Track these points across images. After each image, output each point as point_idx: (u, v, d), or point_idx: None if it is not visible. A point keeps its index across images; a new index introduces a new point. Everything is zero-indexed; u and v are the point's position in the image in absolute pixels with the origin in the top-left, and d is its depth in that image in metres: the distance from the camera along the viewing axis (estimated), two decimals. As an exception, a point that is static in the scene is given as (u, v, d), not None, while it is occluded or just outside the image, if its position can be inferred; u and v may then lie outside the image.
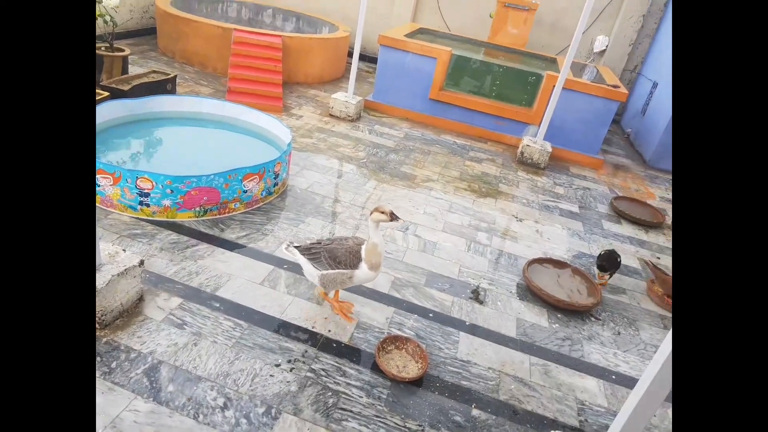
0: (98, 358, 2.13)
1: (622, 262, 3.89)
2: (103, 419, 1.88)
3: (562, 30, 8.01)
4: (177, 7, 6.94)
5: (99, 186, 3.10)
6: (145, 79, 4.77)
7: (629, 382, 2.65)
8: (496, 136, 6.34)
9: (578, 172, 5.90)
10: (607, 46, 7.88)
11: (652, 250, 4.33)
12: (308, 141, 5.03)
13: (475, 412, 2.26)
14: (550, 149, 5.67)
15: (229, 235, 3.20)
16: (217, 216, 3.36)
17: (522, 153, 5.73)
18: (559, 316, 3.10)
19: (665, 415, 2.50)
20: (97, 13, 4.61)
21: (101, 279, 2.22)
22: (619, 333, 3.07)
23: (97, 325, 2.26)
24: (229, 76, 5.66)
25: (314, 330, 2.54)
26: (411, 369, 2.40)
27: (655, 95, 6.93)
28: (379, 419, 2.12)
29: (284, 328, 2.51)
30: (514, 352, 2.70)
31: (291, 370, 2.27)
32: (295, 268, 3.00)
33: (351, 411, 2.13)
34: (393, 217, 2.28)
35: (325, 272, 2.47)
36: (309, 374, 2.27)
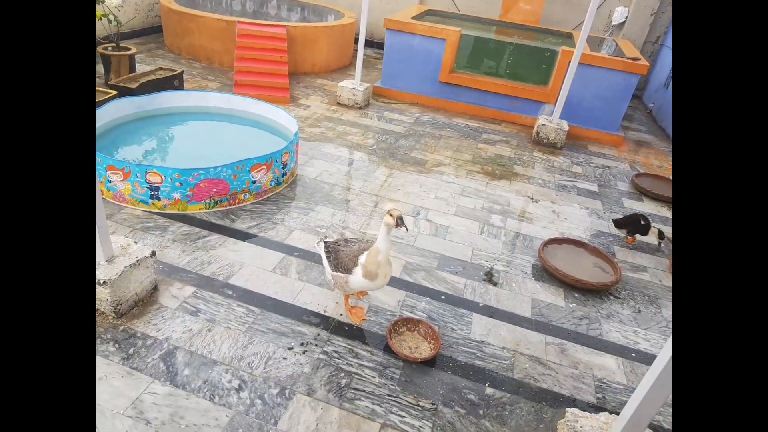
0: (116, 345, 2.18)
1: (644, 239, 3.76)
2: (124, 401, 1.93)
3: (577, 4, 7.74)
4: (181, 3, 6.99)
5: (110, 182, 3.16)
6: (152, 77, 4.83)
7: (650, 360, 2.58)
8: (510, 117, 6.21)
9: (597, 150, 5.73)
10: (626, 18, 7.58)
11: (674, 226, 4.18)
12: (316, 130, 5.01)
13: (489, 390, 2.23)
14: (566, 128, 5.51)
15: (240, 225, 3.23)
16: (228, 207, 3.39)
17: (537, 133, 5.59)
18: (576, 295, 3.03)
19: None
20: (101, 13, 4.67)
21: (114, 270, 2.27)
22: (639, 311, 2.98)
23: (113, 314, 2.31)
24: (235, 70, 5.69)
25: (326, 314, 2.55)
26: (423, 350, 2.38)
27: (677, 67, 6.66)
28: (391, 398, 2.11)
29: (296, 313, 2.53)
30: (529, 331, 2.65)
31: (304, 353, 2.28)
32: (306, 256, 3.00)
33: (364, 391, 2.13)
34: (399, 223, 2.11)
35: (332, 273, 2.42)
36: (321, 356, 2.28)
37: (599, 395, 2.31)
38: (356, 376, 2.20)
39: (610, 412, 2.07)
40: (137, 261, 2.36)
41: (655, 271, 3.44)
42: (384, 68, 6.35)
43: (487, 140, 5.49)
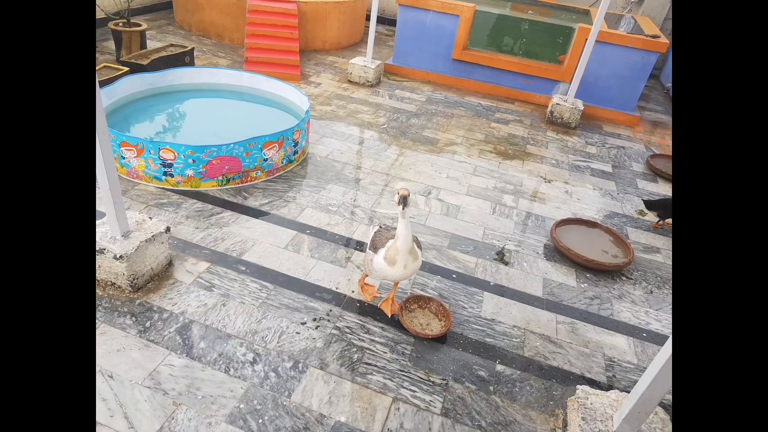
0: (133, 318, 2.23)
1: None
2: (142, 372, 1.98)
3: (594, -21, 7.47)
4: (192, -21, 6.87)
5: (124, 159, 3.18)
6: (163, 53, 4.79)
7: (661, 340, 2.57)
8: (524, 96, 6.08)
9: (612, 130, 5.62)
10: (645, -6, 7.31)
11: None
12: (327, 108, 4.97)
13: (499, 367, 2.25)
14: (581, 107, 5.40)
15: (252, 202, 3.24)
16: (240, 184, 3.40)
17: (551, 112, 5.48)
18: (588, 275, 3.01)
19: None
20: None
21: (130, 245, 2.30)
22: (651, 292, 2.96)
23: (129, 288, 2.36)
24: (245, 46, 5.62)
25: (338, 291, 2.57)
26: (434, 326, 2.40)
27: (697, 44, 6.44)
28: (403, 373, 2.14)
29: (309, 289, 2.55)
30: (540, 311, 2.65)
31: (316, 328, 2.32)
32: (318, 234, 3.02)
33: (375, 365, 2.16)
34: (401, 202, 2.05)
35: (367, 251, 2.37)
36: (334, 331, 2.31)
37: (609, 374, 2.32)
38: (368, 351, 2.23)
39: (621, 390, 2.09)
40: (152, 236, 2.39)
41: (668, 253, 3.41)
42: (396, 45, 6.23)
43: (500, 119, 5.41)
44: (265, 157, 3.42)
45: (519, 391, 2.15)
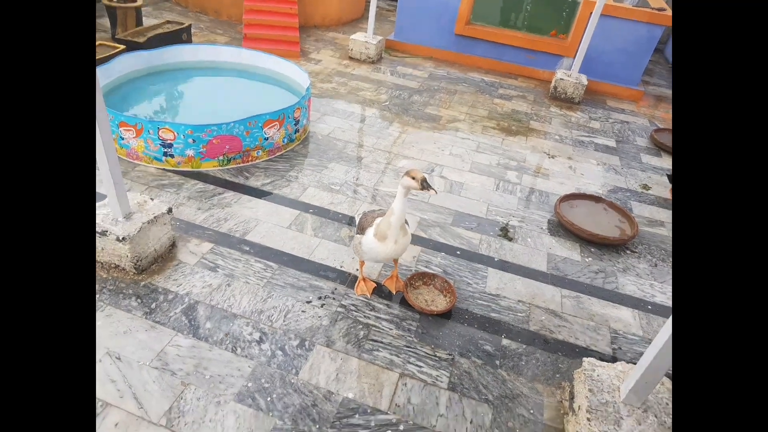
0: (138, 300, 2.24)
1: (664, 196, 3.69)
2: (149, 353, 1.99)
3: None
4: (186, -47, 6.68)
5: (123, 139, 3.14)
6: (159, 30, 4.68)
7: (667, 312, 2.58)
8: (528, 71, 5.97)
9: (616, 105, 5.53)
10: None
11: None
12: (328, 86, 4.88)
13: (505, 341, 2.26)
14: (585, 82, 5.30)
15: (254, 182, 3.21)
16: (241, 164, 3.37)
17: (555, 88, 5.39)
18: (592, 250, 3.00)
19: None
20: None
21: (133, 227, 2.29)
22: (656, 265, 2.96)
23: (134, 270, 2.35)
24: (244, 23, 5.49)
25: (342, 269, 2.57)
26: (439, 303, 2.40)
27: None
28: (409, 349, 2.16)
29: (313, 268, 2.55)
30: (545, 285, 2.65)
31: (322, 306, 2.32)
32: (321, 213, 3.00)
33: (381, 342, 2.17)
34: (424, 185, 1.94)
35: (355, 235, 2.35)
36: (339, 309, 2.32)
37: (615, 346, 2.33)
38: (374, 328, 2.24)
39: (627, 362, 2.09)
40: (155, 217, 2.38)
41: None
42: (398, 20, 6.08)
43: (504, 95, 5.31)
44: (266, 136, 3.38)
45: (525, 365, 2.16)
